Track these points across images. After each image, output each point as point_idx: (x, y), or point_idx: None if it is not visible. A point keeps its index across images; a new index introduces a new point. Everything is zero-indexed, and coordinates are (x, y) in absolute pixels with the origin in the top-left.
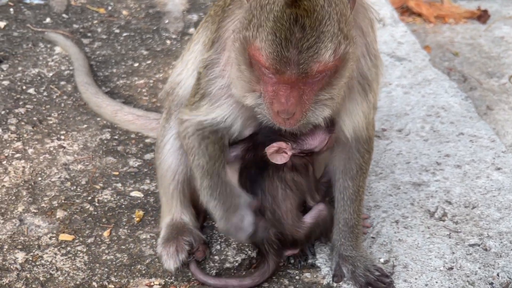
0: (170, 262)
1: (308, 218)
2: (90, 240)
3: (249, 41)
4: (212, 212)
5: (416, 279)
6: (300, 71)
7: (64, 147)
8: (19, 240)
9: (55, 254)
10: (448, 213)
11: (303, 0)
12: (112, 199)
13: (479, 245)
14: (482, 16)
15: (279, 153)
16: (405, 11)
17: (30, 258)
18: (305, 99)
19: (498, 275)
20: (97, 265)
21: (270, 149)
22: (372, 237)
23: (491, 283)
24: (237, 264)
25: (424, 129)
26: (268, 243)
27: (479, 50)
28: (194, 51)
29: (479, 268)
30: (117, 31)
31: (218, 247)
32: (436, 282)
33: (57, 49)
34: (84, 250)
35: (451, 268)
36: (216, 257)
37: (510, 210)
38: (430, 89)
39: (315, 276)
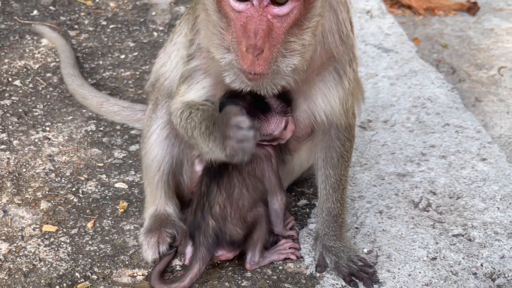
0: (149, 253)
1: (249, 218)
2: (73, 231)
3: None
4: (214, 152)
5: (399, 269)
6: None
7: (49, 139)
8: (3, 231)
9: (39, 245)
10: (432, 203)
11: None
12: (97, 190)
13: (463, 236)
14: (472, 8)
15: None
16: (394, 3)
17: (14, 249)
18: (274, 36)
19: (481, 265)
20: (80, 256)
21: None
22: (356, 228)
23: (475, 273)
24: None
25: (409, 120)
26: (205, 235)
27: (468, 42)
28: (176, 43)
29: (463, 258)
30: (104, 23)
31: None
32: (420, 272)
33: (44, 41)
34: (68, 241)
35: (435, 258)
36: None
37: (494, 201)
38: (417, 80)
39: (298, 266)
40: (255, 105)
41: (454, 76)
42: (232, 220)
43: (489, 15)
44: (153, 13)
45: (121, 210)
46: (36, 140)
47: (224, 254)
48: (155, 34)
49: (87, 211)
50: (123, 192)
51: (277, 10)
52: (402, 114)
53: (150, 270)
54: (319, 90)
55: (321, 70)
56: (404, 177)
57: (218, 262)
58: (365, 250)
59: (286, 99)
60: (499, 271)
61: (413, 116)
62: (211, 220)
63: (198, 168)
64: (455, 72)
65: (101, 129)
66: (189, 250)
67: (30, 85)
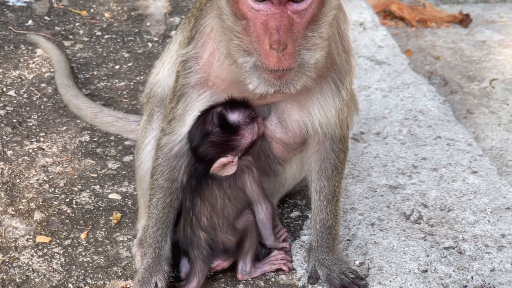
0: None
1: (238, 225)
2: (67, 242)
3: None
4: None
5: (390, 281)
6: None
7: (43, 149)
8: None
9: (32, 256)
10: (423, 216)
11: None
12: (90, 201)
13: (453, 248)
14: (464, 20)
15: (226, 167)
16: (387, 15)
17: (7, 260)
18: (295, 30)
19: (472, 278)
20: (74, 267)
21: (216, 168)
22: (348, 240)
23: (465, 286)
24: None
25: (401, 133)
26: (198, 248)
27: (461, 54)
28: (171, 50)
29: (453, 271)
30: (99, 33)
31: None
32: (411, 284)
33: (39, 52)
34: (61, 252)
35: (426, 271)
36: None
37: (485, 214)
38: (409, 92)
39: (290, 278)
40: (226, 133)
41: (446, 88)
42: (222, 229)
43: (481, 27)
44: (148, 24)
45: (115, 221)
46: (30, 151)
47: (220, 263)
48: (150, 44)
49: (81, 222)
50: (117, 203)
51: (295, 6)
52: (394, 126)
53: None
54: (316, 100)
55: (320, 80)
56: (395, 189)
57: (211, 273)
58: (357, 262)
59: (246, 104)
60: (489, 284)
61: (405, 128)
62: (202, 233)
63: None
64: (447, 84)
65: (95, 139)
66: (184, 265)
67: (25, 95)
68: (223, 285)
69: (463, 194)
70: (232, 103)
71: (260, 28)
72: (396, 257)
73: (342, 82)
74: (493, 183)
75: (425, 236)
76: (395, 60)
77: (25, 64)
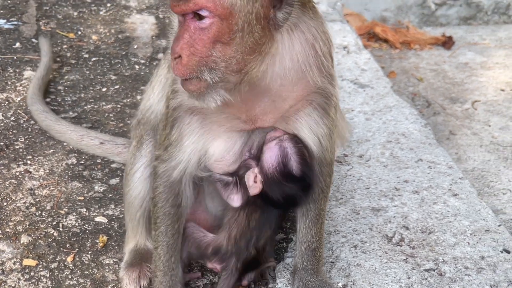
0: (131, 287)
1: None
2: (53, 265)
3: None
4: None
5: None
6: None
7: (30, 172)
8: None
9: (19, 279)
10: (405, 238)
11: None
12: (77, 224)
13: (434, 270)
14: (447, 43)
15: (253, 180)
16: (371, 36)
17: None
18: (196, 46)
19: None
20: None
21: (249, 179)
22: (332, 262)
23: None
24: None
25: (384, 155)
26: (242, 263)
27: (443, 76)
28: (160, 75)
29: None
30: (86, 55)
31: None
32: None
33: (26, 74)
34: (48, 275)
35: None
36: None
37: (465, 236)
38: (391, 115)
39: None
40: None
41: (429, 109)
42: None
43: (463, 49)
44: (135, 46)
45: (101, 244)
46: (17, 174)
47: (245, 282)
48: (137, 67)
49: (67, 245)
50: (103, 226)
51: (198, 23)
52: (377, 149)
53: None
54: (306, 124)
55: (305, 104)
56: (378, 211)
57: None
58: (340, 284)
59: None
60: None
61: (388, 151)
62: (254, 251)
63: (237, 204)
64: (430, 105)
65: (82, 162)
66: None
67: (12, 118)
68: None
69: (443, 217)
70: None
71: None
72: (378, 279)
73: (328, 105)
74: (473, 205)
75: (407, 258)
76: (378, 83)
77: (13, 87)
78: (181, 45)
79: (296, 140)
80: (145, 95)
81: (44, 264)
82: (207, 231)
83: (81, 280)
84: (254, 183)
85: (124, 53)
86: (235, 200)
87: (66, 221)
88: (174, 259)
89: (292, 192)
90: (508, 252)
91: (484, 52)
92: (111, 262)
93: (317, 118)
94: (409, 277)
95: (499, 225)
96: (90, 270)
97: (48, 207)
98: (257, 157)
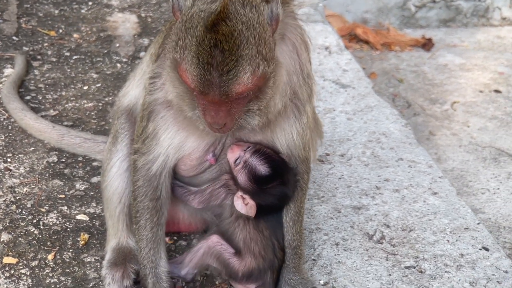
0: (114, 287)
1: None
2: (34, 263)
3: (178, 62)
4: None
5: None
6: (221, 93)
7: (11, 170)
8: None
9: None
10: (386, 236)
11: (221, 25)
12: (58, 222)
13: (414, 267)
14: (427, 44)
15: (244, 204)
16: (353, 38)
17: None
18: (234, 112)
19: None
20: None
21: (240, 205)
22: (313, 259)
23: None
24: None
25: (365, 154)
26: (274, 272)
27: (423, 77)
28: (142, 62)
29: None
30: (68, 54)
31: None
32: None
33: (7, 71)
34: (28, 273)
35: None
36: None
37: (444, 234)
38: (372, 115)
39: None
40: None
41: (409, 110)
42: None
43: (443, 51)
44: (117, 45)
45: (82, 242)
46: None
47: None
48: (119, 65)
49: (48, 243)
50: (84, 224)
51: (233, 99)
52: (358, 148)
53: None
54: (282, 124)
55: (283, 105)
56: (359, 210)
57: None
58: (322, 282)
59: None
60: None
61: (369, 150)
62: (280, 252)
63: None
64: (410, 106)
65: (63, 160)
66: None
67: None
68: None
69: (423, 215)
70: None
71: (202, 105)
72: (359, 276)
73: (304, 107)
74: (452, 204)
75: (387, 255)
76: (359, 84)
77: None
78: (222, 118)
79: (258, 147)
80: (122, 90)
81: (25, 262)
82: (229, 246)
83: (62, 278)
84: (245, 205)
85: (105, 51)
86: (195, 203)
87: (47, 219)
88: (154, 251)
89: (280, 189)
90: (487, 249)
91: (463, 54)
92: (93, 260)
93: (292, 121)
94: (389, 274)
95: (478, 223)
96: (71, 268)
97: (28, 205)
98: (234, 179)
